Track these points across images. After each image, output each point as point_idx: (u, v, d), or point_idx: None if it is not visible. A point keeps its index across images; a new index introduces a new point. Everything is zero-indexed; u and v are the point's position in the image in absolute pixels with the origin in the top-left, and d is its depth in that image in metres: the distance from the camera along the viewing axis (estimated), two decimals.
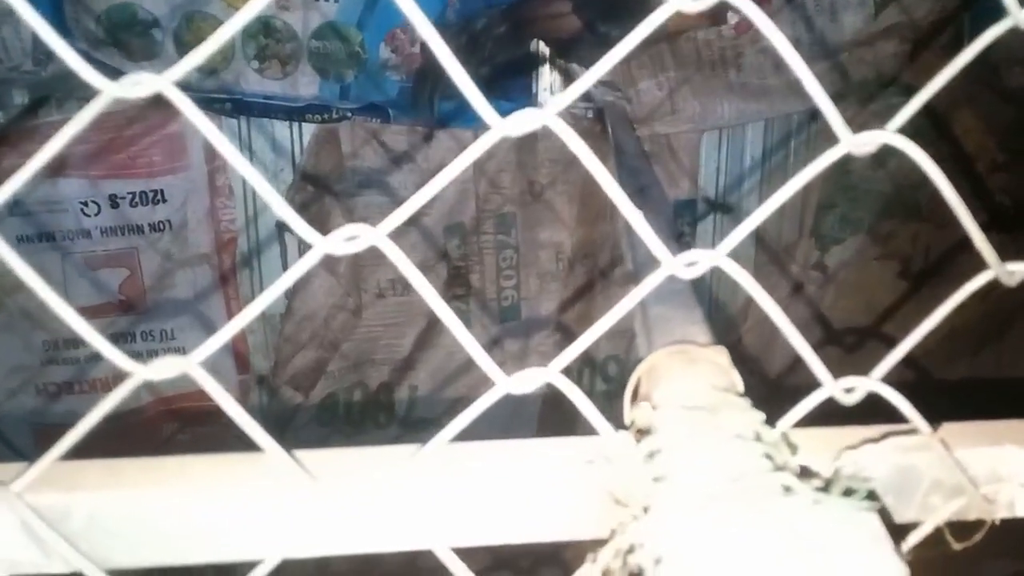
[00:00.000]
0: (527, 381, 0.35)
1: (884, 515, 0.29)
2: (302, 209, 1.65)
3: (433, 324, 1.70)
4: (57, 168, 1.53)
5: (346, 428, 1.74)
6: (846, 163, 1.61)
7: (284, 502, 0.35)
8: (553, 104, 0.33)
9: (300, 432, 1.69)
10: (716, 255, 0.34)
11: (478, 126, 1.56)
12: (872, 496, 0.28)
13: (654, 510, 0.30)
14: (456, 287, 1.71)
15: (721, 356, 0.38)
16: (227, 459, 0.36)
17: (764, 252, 1.72)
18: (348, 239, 0.33)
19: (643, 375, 0.39)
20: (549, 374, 0.35)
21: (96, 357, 1.60)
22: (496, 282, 1.71)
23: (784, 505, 0.27)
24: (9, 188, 0.31)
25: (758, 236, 1.71)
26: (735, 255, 0.34)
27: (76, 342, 1.61)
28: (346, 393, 1.72)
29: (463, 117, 1.55)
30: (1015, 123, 1.54)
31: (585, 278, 1.71)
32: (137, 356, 0.34)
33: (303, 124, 1.62)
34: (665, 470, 0.31)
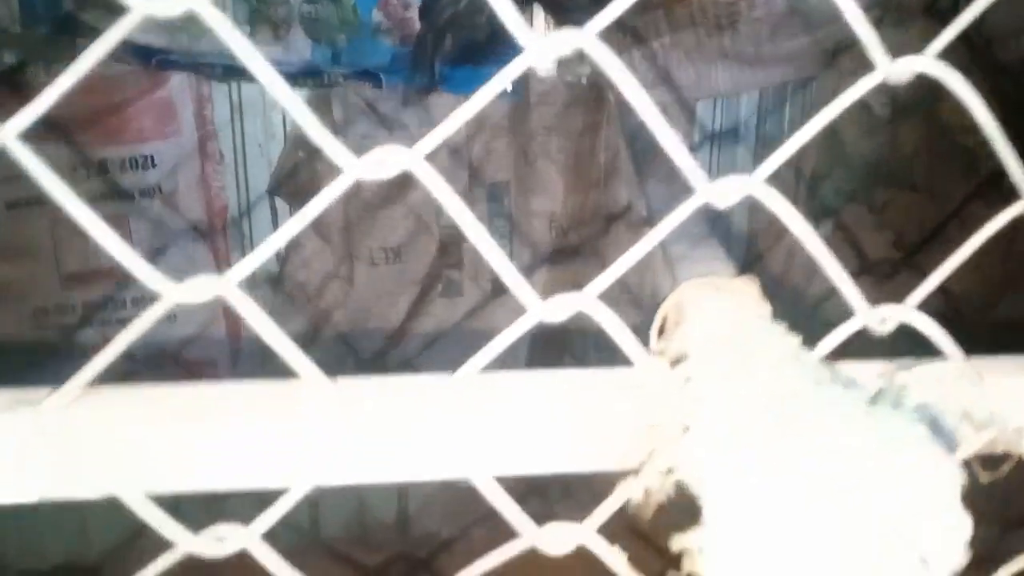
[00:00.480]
0: (561, 308, 0.34)
1: None
2: (292, 175, 1.63)
3: (426, 292, 1.69)
4: (46, 132, 1.51)
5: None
6: (839, 132, 1.62)
7: (319, 429, 0.34)
8: (592, 25, 0.32)
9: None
10: (751, 182, 0.34)
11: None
12: (921, 409, 0.28)
13: (696, 430, 0.30)
14: (448, 257, 1.71)
15: (751, 286, 0.38)
16: (264, 385, 0.35)
17: (757, 222, 1.72)
18: (379, 162, 0.33)
19: (670, 309, 0.39)
20: (584, 300, 0.34)
21: (85, 322, 1.59)
22: None
23: (833, 416, 0.27)
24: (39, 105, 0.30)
25: (750, 208, 1.71)
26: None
27: (65, 308, 1.59)
28: (334, 365, 1.71)
29: (461, 81, 1.54)
30: (1007, 97, 1.54)
31: (578, 247, 1.71)
32: (127, 323, 0.33)
33: (295, 90, 1.61)
34: (704, 392, 0.31)
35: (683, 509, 0.37)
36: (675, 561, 0.39)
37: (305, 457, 0.35)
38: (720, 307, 0.36)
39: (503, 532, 0.36)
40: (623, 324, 0.34)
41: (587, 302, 0.34)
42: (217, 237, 1.65)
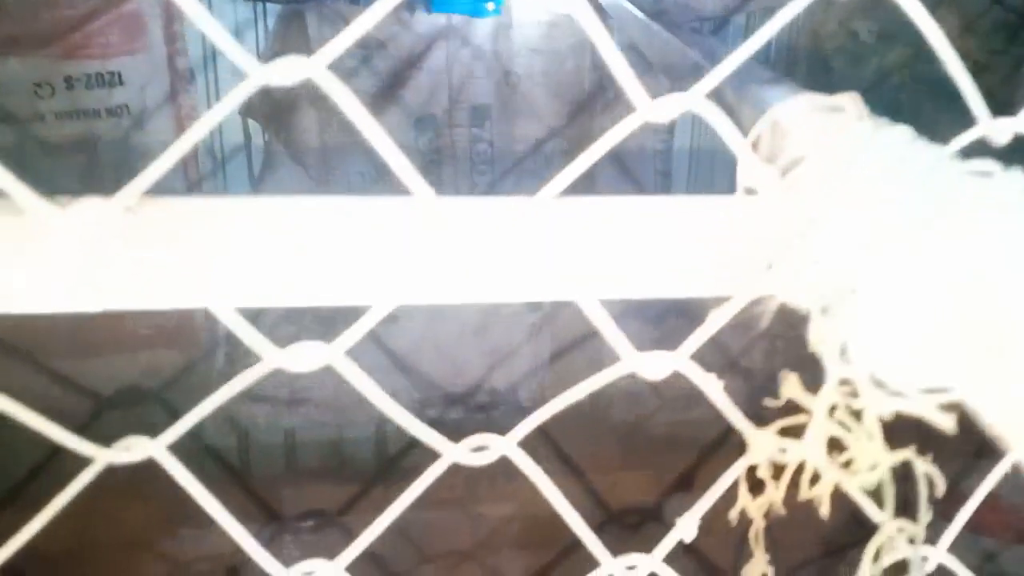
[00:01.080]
0: (671, 107, 0.32)
1: None
2: (266, 96, 1.58)
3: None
4: (7, 46, 1.44)
5: (315, 327, 1.70)
6: (827, 59, 1.60)
7: (410, 245, 0.32)
8: None
9: (269, 332, 1.65)
10: (691, 98, 0.32)
11: (458, 10, 1.51)
12: None
13: (836, 231, 0.28)
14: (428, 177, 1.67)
15: (855, 103, 0.36)
16: (346, 201, 0.32)
17: None
18: (284, 69, 0.30)
19: (765, 132, 0.37)
20: (692, 99, 0.32)
21: None
22: (469, 176, 1.67)
23: (992, 209, 0.26)
24: None
25: None
26: None
27: None
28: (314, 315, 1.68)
29: (444, 1, 1.50)
30: (996, 24, 1.55)
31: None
32: None
33: (267, 4, 1.55)
34: (838, 193, 0.29)
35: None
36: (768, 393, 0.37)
37: (398, 274, 0.32)
38: (831, 121, 0.34)
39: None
40: (730, 122, 0.32)
41: (695, 101, 0.32)
42: (188, 159, 1.59)
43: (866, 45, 1.57)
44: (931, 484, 0.33)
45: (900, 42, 1.52)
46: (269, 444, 1.78)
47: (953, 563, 0.40)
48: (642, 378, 0.34)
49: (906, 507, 0.38)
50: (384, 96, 1.57)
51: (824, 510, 0.38)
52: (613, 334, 0.34)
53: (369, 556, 0.37)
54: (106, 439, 0.35)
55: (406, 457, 1.77)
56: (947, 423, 0.25)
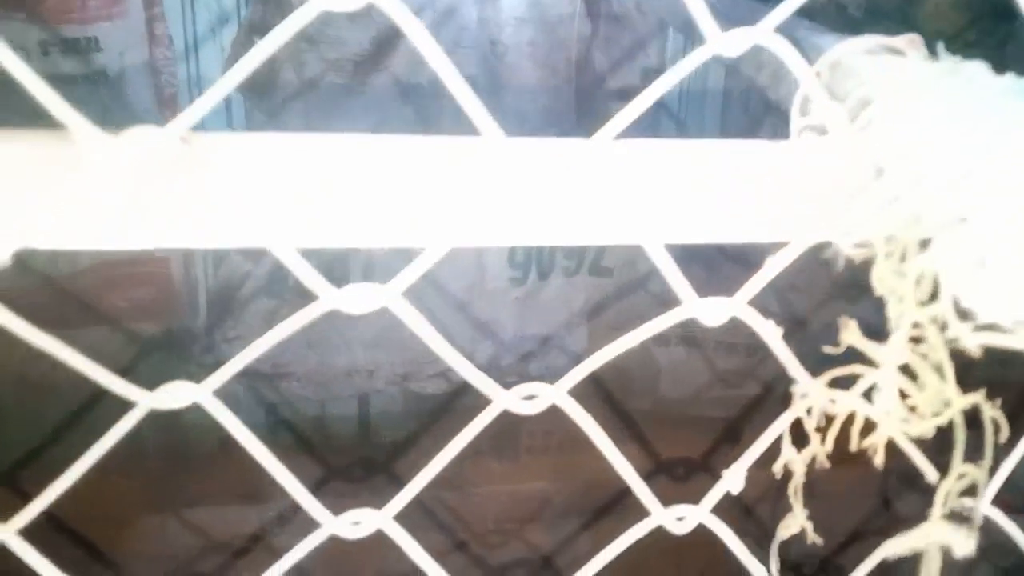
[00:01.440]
0: (741, 40, 0.31)
1: None
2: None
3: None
4: None
5: (296, 299, 1.67)
6: None
7: (468, 185, 0.31)
8: None
9: (248, 303, 1.63)
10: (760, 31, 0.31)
11: None
12: None
13: (925, 167, 0.28)
14: None
15: (916, 43, 0.35)
16: (407, 140, 0.31)
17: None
18: None
19: (824, 72, 0.36)
20: (760, 33, 0.31)
21: None
22: None
23: None
24: None
25: None
26: None
27: None
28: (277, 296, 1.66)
29: None
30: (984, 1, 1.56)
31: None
32: None
33: None
34: (919, 124, 0.29)
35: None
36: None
37: (454, 216, 0.31)
38: (896, 61, 0.34)
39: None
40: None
41: (763, 34, 0.31)
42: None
43: (854, 19, 1.57)
44: (997, 430, 0.32)
45: (888, 17, 1.52)
46: (251, 419, 1.76)
47: (998, 515, 0.40)
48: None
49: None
50: (370, 64, 1.54)
51: (879, 459, 0.37)
52: (676, 278, 0.33)
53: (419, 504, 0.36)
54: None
55: (389, 432, 1.76)
56: None
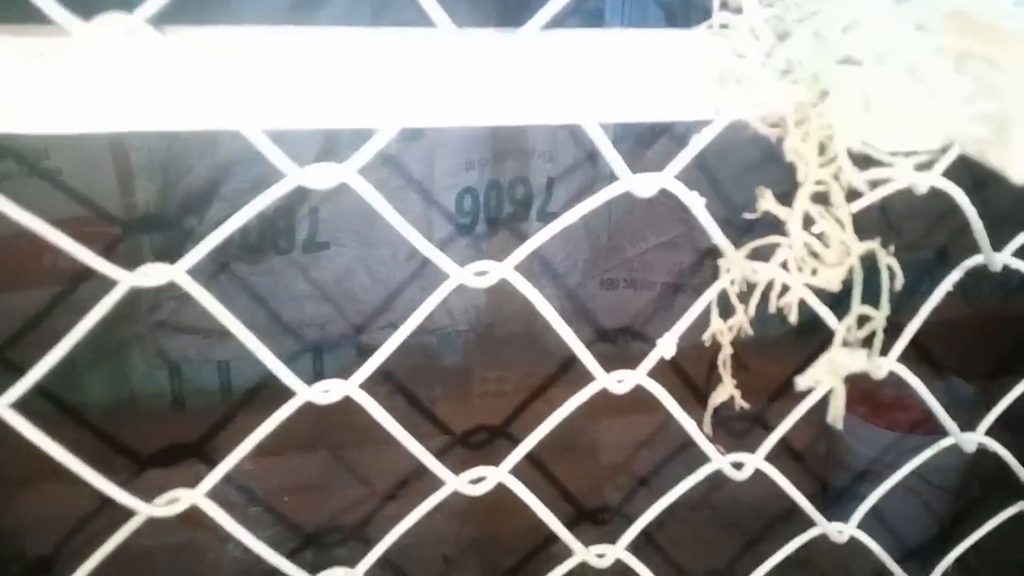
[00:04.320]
0: None
1: None
2: None
3: (331, 146, 1.65)
4: None
5: (244, 254, 1.68)
6: None
7: (422, 71, 0.33)
8: None
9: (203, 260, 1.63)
10: None
11: None
12: None
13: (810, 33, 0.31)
14: None
15: None
16: (364, 32, 0.34)
17: None
18: None
19: None
20: None
21: None
22: None
23: None
24: None
25: None
26: None
27: None
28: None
29: None
30: None
31: None
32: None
33: None
34: None
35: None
36: None
37: (405, 99, 0.34)
38: None
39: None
40: None
41: None
42: None
43: None
44: (892, 277, 0.37)
45: None
46: (204, 378, 1.77)
47: (904, 372, 0.44)
48: None
49: None
50: None
51: (793, 317, 0.41)
52: (611, 155, 0.36)
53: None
54: None
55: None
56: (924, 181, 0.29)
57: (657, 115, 0.37)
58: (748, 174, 1.56)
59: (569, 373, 1.72)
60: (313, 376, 1.82)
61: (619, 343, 1.89)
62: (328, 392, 0.39)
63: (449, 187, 1.78)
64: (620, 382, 0.42)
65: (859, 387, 1.71)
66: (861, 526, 0.48)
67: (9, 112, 0.31)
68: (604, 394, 0.44)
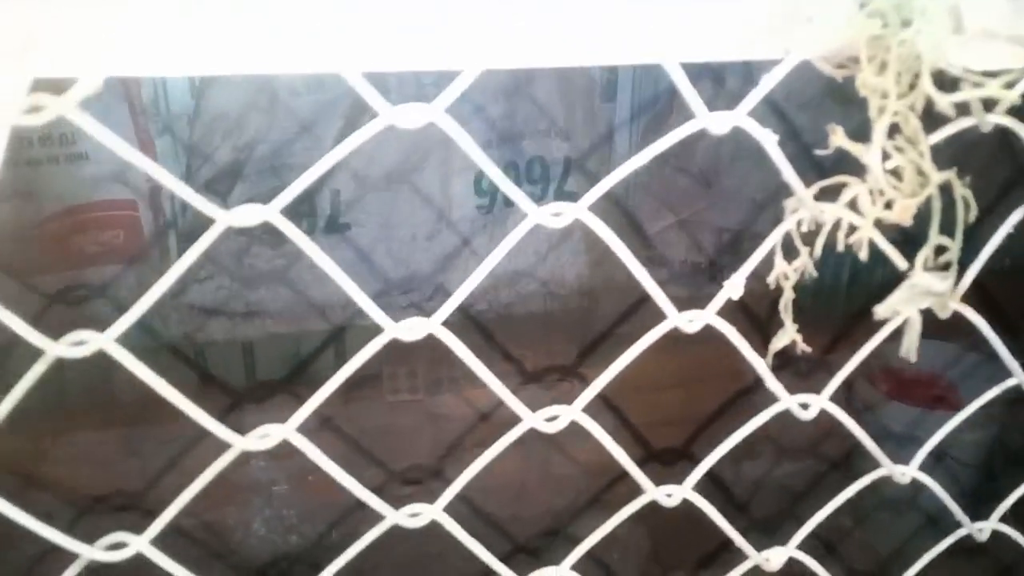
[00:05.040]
0: None
1: None
2: None
3: (352, 123, 1.66)
4: None
5: (266, 236, 1.69)
6: None
7: (503, 13, 0.34)
8: None
9: (218, 240, 1.64)
10: None
11: None
12: None
13: None
14: None
15: None
16: None
17: None
18: None
19: None
20: None
21: None
22: None
23: None
24: None
25: None
26: None
27: None
28: (265, 199, 1.66)
29: None
30: None
31: None
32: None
33: None
34: None
35: None
36: None
37: (488, 42, 0.35)
38: None
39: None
40: None
41: None
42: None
43: None
44: (967, 208, 0.37)
45: None
46: (228, 359, 1.78)
47: (968, 312, 0.45)
48: None
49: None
50: None
51: (864, 255, 0.42)
52: (690, 92, 0.37)
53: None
54: None
55: (366, 365, 1.79)
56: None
57: (729, 54, 0.38)
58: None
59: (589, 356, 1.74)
60: (335, 357, 1.84)
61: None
62: (412, 329, 0.40)
63: (467, 167, 1.79)
64: (691, 321, 0.43)
65: (881, 365, 1.72)
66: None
67: (159, 56, 0.32)
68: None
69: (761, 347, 0.47)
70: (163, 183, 0.35)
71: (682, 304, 0.43)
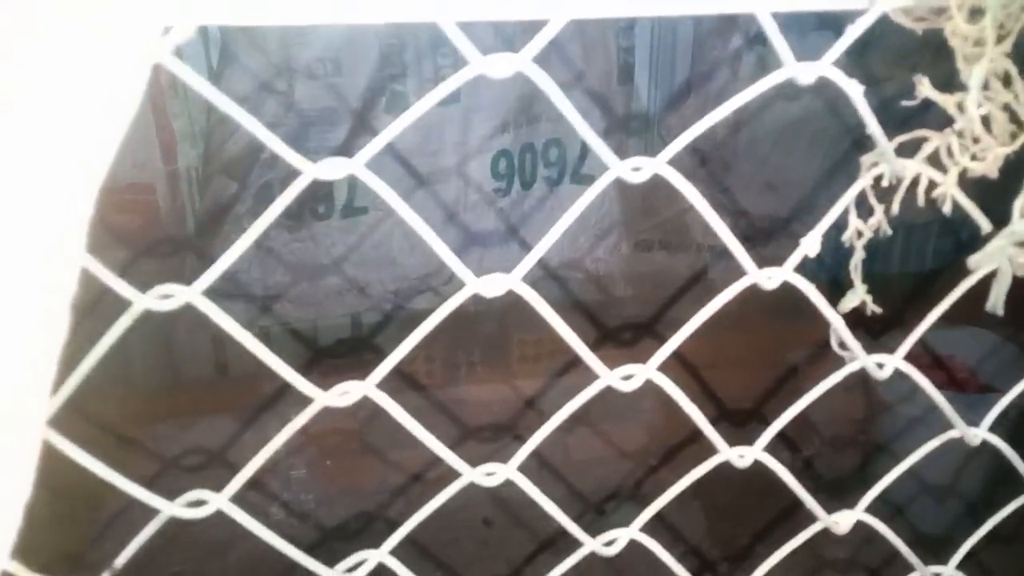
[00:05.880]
0: None
1: None
2: None
3: (369, 106, 1.65)
4: None
5: (284, 220, 1.69)
6: None
7: None
8: None
9: (237, 224, 1.63)
10: None
11: None
12: None
13: None
14: (390, 68, 1.66)
15: None
16: None
17: None
18: None
19: None
20: None
21: None
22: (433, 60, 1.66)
23: None
24: None
25: None
26: None
27: None
28: (282, 183, 1.66)
29: None
30: None
31: None
32: None
33: None
34: None
35: None
36: None
37: None
38: None
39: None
40: None
41: None
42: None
43: None
44: None
45: None
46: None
47: None
48: None
49: None
50: None
51: (947, 208, 0.42)
52: (779, 41, 0.37)
53: None
54: None
55: (384, 345, 1.79)
56: None
57: (816, 4, 0.38)
58: None
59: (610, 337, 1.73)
60: (350, 339, 1.83)
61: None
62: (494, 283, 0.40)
63: (484, 150, 1.78)
64: (770, 278, 0.42)
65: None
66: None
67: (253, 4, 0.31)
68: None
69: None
70: (258, 136, 0.34)
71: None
